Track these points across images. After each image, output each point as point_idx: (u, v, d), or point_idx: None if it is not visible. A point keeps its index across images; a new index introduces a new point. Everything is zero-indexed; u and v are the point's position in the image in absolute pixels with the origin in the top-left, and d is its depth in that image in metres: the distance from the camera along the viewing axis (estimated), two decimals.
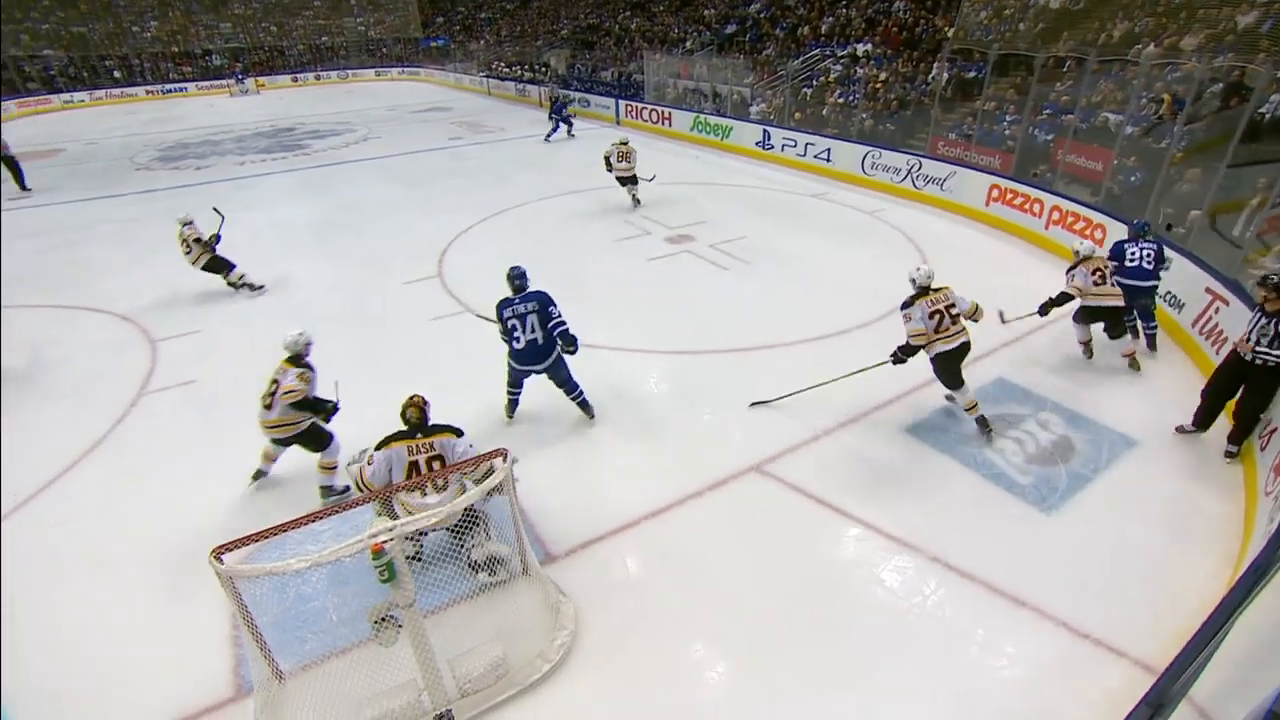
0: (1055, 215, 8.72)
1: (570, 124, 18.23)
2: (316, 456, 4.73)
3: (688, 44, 20.25)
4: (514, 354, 5.18)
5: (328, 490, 4.76)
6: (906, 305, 5.03)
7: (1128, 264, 5.97)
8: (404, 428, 3.90)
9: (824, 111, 14.11)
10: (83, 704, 3.40)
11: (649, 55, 19.82)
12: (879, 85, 13.26)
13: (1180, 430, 5.03)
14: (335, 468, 4.75)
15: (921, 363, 5.84)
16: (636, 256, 9.11)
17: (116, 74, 35.37)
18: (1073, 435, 5.10)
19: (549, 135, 17.87)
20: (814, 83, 14.91)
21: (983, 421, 5.10)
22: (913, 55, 13.30)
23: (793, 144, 13.67)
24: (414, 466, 3.79)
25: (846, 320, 6.95)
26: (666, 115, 17.61)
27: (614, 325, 7.05)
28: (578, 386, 5.40)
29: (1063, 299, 5.89)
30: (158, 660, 3.60)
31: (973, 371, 5.87)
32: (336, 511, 3.24)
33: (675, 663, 3.48)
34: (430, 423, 3.94)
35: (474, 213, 11.36)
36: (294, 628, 3.65)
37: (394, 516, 3.84)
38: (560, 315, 5.12)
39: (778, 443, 5.09)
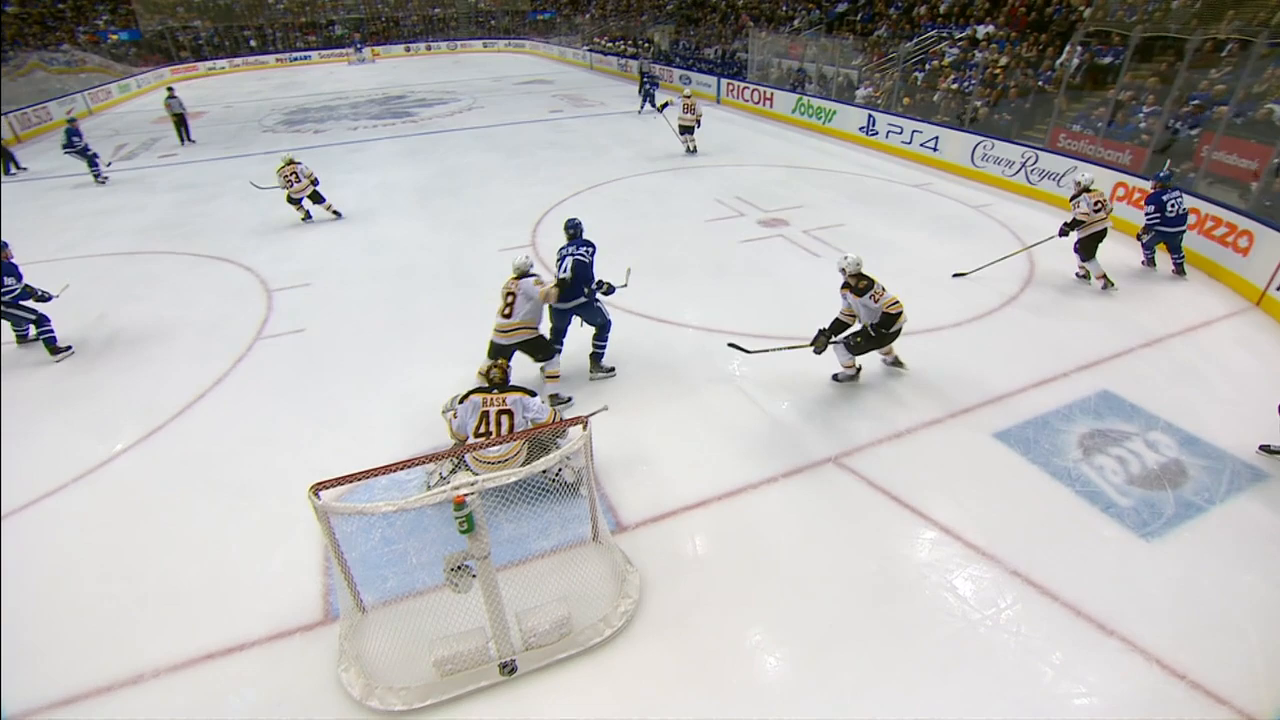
0: (1192, 219, 7.51)
1: (652, 99, 18.11)
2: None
3: (795, 22, 19.62)
4: (570, 278, 5.52)
5: (556, 398, 5.41)
6: (867, 291, 5.18)
7: (1169, 214, 7.07)
8: (485, 384, 4.26)
9: (935, 98, 13.38)
10: (197, 608, 3.79)
11: (754, 33, 19.35)
12: (998, 71, 12.43)
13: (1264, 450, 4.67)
14: (558, 377, 5.34)
15: (1014, 371, 5.57)
16: (728, 237, 9.02)
17: (253, 43, 38.00)
18: (1186, 459, 4.70)
19: (641, 109, 17.98)
20: (926, 67, 14.15)
21: (838, 379, 5.43)
22: (1039, 38, 12.36)
23: (898, 131, 13.06)
24: (484, 416, 4.13)
25: (940, 317, 6.65)
26: (768, 96, 17.19)
27: (701, 305, 7.05)
28: (604, 339, 5.76)
29: (1076, 224, 7.02)
30: (260, 580, 3.96)
31: (1075, 382, 5.54)
32: (424, 461, 3.45)
33: (734, 644, 3.50)
34: (509, 383, 4.30)
35: (569, 185, 11.55)
36: (377, 566, 3.91)
37: (465, 467, 4.20)
38: (591, 262, 5.61)
39: (858, 437, 4.97)
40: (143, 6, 35.60)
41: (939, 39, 14.47)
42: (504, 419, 4.14)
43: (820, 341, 5.34)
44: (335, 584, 3.68)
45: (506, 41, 40.51)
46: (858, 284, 5.24)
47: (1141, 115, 9.58)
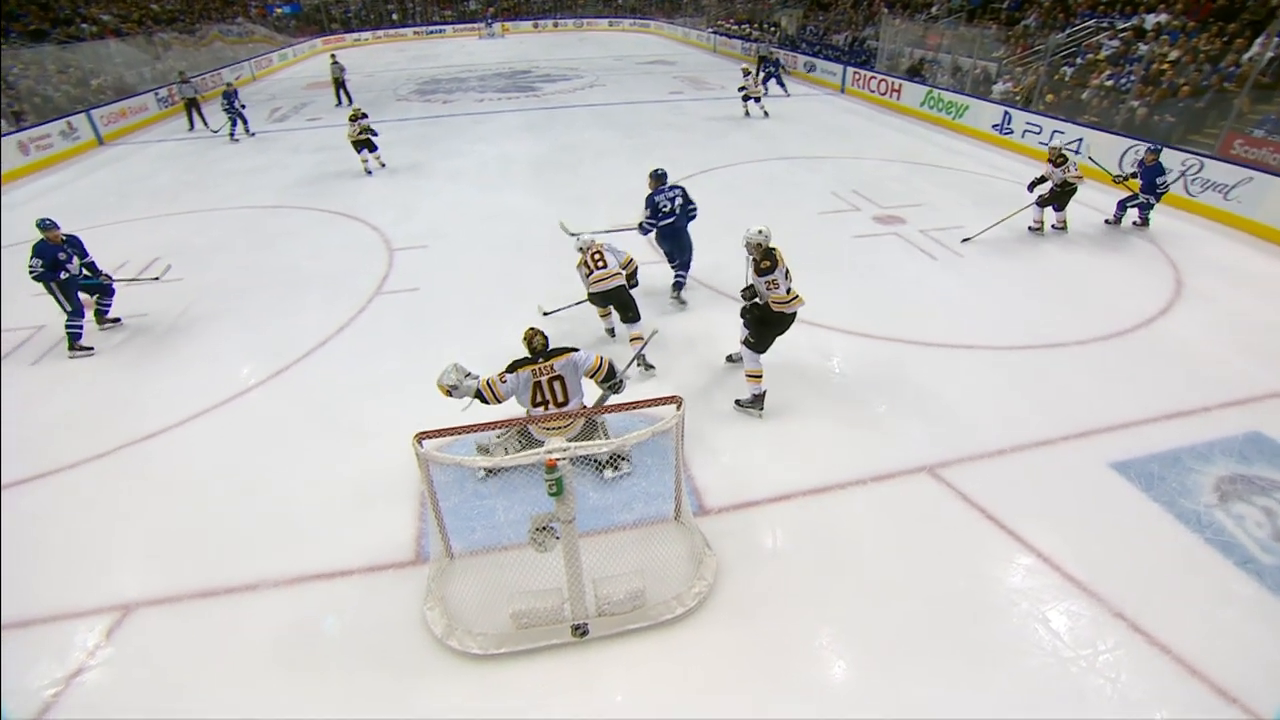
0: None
1: (780, 81, 17.89)
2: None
3: (933, 9, 18.51)
4: (662, 229, 6.75)
5: (642, 360, 5.68)
6: (767, 273, 4.79)
7: (1158, 184, 8.09)
8: (528, 354, 4.32)
9: (1083, 95, 12.27)
10: (307, 533, 4.17)
11: (887, 20, 18.44)
12: (1165, 66, 11.19)
13: None
14: (643, 338, 5.58)
15: (1143, 398, 5.13)
16: (841, 231, 8.74)
17: (394, 16, 40.20)
18: None
19: (764, 94, 17.62)
20: (1078, 60, 12.98)
21: (758, 400, 5.04)
22: (1225, 28, 10.97)
23: (1036, 130, 12.08)
24: (538, 387, 4.24)
25: (1062, 334, 6.17)
26: (896, 87, 16.36)
27: (808, 297, 6.84)
28: (688, 266, 6.89)
29: (1041, 181, 8.30)
30: (362, 516, 4.28)
31: (1219, 418, 5.00)
32: (519, 423, 3.60)
33: (803, 642, 3.45)
34: (550, 348, 4.38)
35: (684, 167, 11.51)
36: (467, 517, 4.13)
37: (527, 438, 4.36)
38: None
39: (958, 449, 4.73)
40: None
41: (1097, 30, 13.22)
42: (556, 385, 4.27)
43: (745, 293, 5.05)
44: (428, 529, 3.93)
45: (632, 20, 40.66)
46: (760, 261, 4.84)
47: None
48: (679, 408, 3.38)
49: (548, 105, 17.89)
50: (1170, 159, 9.65)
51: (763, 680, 3.26)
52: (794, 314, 4.98)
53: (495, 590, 3.50)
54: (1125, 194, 8.60)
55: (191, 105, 16.29)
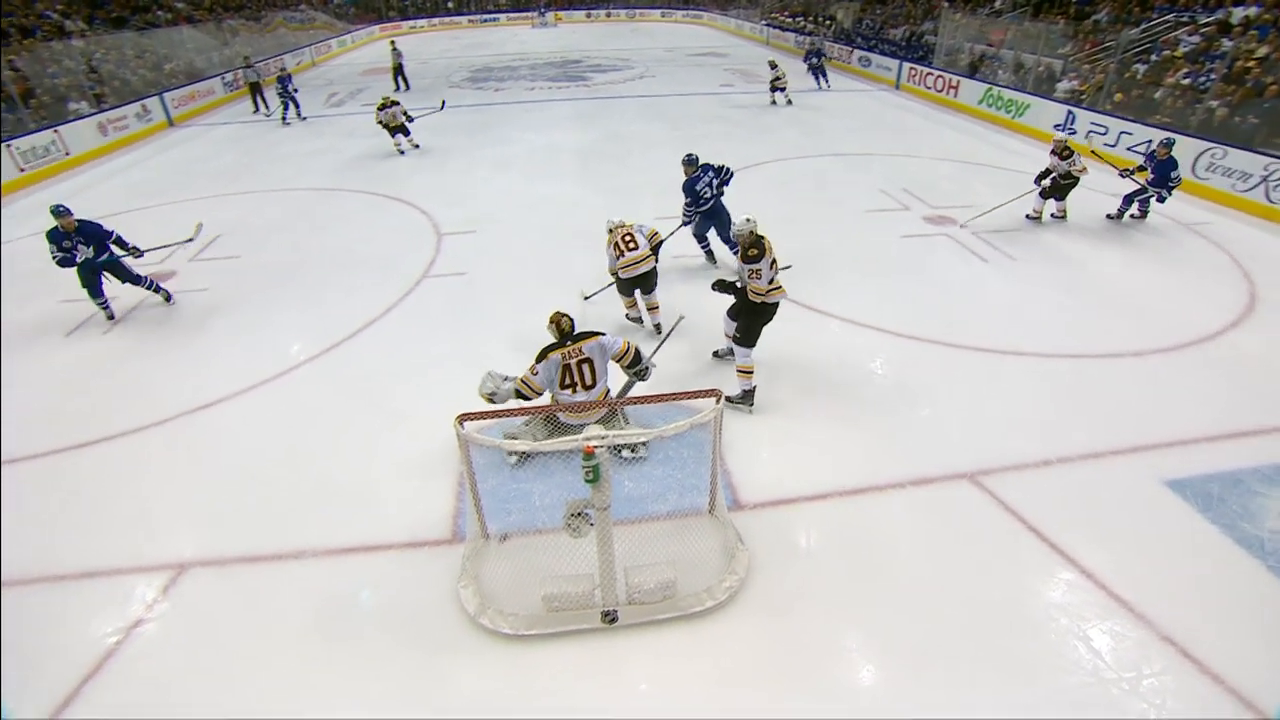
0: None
1: (823, 73, 17.88)
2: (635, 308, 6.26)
3: (996, 3, 17.88)
4: (703, 210, 7.10)
5: (659, 327, 6.13)
6: (753, 261, 4.75)
7: (1171, 178, 8.01)
8: (555, 339, 4.38)
9: (1156, 95, 11.70)
10: (348, 508, 4.30)
11: (948, 14, 17.90)
12: (1251, 63, 10.56)
13: None
14: (658, 307, 6.13)
15: (1205, 416, 4.91)
16: (889, 231, 8.56)
17: (450, 4, 40.77)
18: None
19: (822, 85, 17.69)
20: (1153, 58, 12.38)
21: (748, 395, 5.00)
22: None
23: (1102, 131, 11.59)
24: (566, 370, 4.29)
25: (1117, 344, 5.93)
26: (954, 84, 15.90)
27: (850, 296, 6.78)
28: (730, 241, 6.88)
29: (1047, 174, 8.38)
30: (401, 494, 4.40)
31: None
32: (548, 410, 3.63)
33: (831, 643, 3.42)
34: (577, 331, 4.43)
35: (731, 161, 11.25)
36: (503, 500, 4.21)
37: (556, 423, 4.42)
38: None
39: (1002, 457, 4.60)
40: None
41: (1176, 25, 12.57)
42: (585, 367, 4.32)
43: (716, 286, 5.08)
44: (465, 509, 4.02)
45: (684, 12, 40.42)
46: (748, 248, 4.78)
47: None
48: (719, 401, 3.37)
49: (597, 95, 17.92)
50: (1250, 163, 9.18)
51: (789, 679, 3.24)
52: (777, 304, 4.97)
53: (528, 573, 3.56)
54: (1132, 188, 8.52)
55: (255, 89, 16.87)
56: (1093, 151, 9.20)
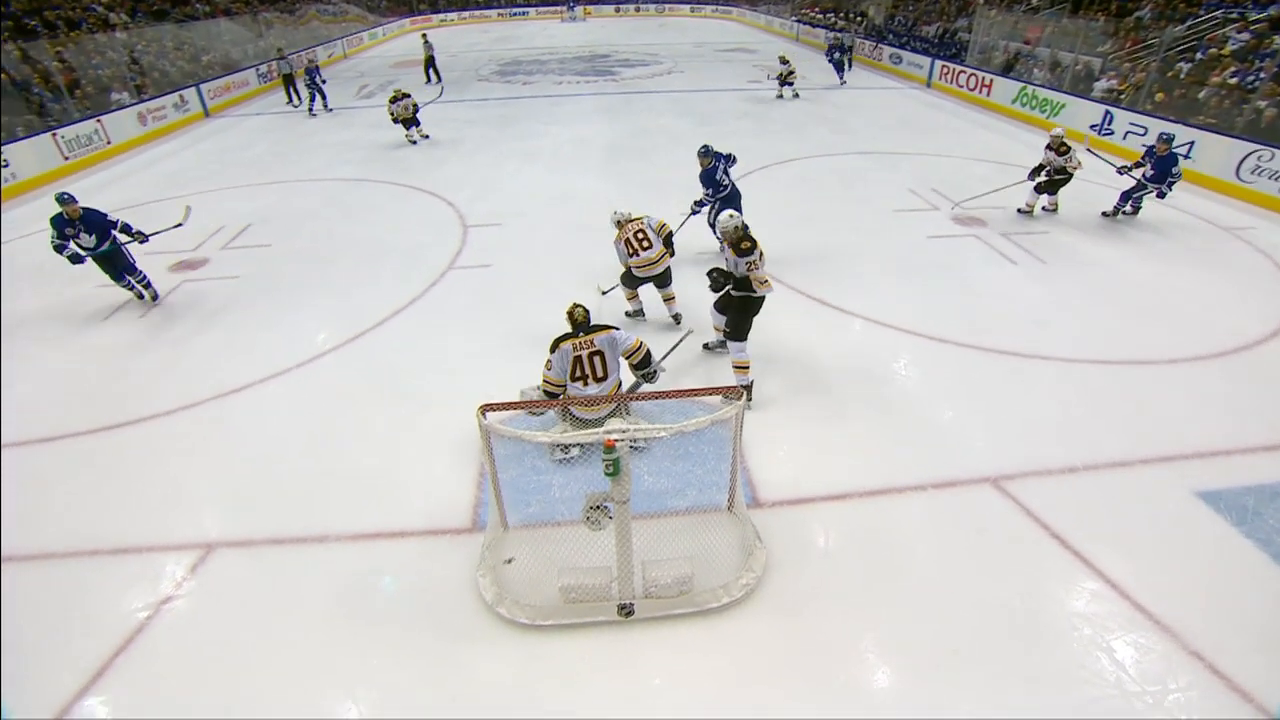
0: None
1: (841, 67, 17.99)
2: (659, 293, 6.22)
3: (1033, 0, 17.51)
4: (722, 197, 7.26)
5: (678, 317, 6.18)
6: (748, 254, 4.77)
7: (1171, 174, 7.97)
8: (569, 329, 4.36)
9: (1200, 95, 11.37)
10: (371, 494, 4.38)
11: (983, 10, 17.57)
12: None
13: None
14: (675, 298, 6.13)
15: (1242, 426, 4.79)
16: (916, 230, 8.45)
17: None
18: None
19: (841, 81, 17.81)
20: (1198, 56, 12.03)
21: (746, 390, 4.92)
22: None
23: (1141, 132, 11.30)
24: (577, 361, 4.27)
25: (1151, 350, 5.80)
26: (987, 83, 15.61)
27: (874, 296, 6.71)
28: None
29: (1042, 166, 8.52)
30: (423, 482, 4.46)
31: None
32: (580, 403, 3.66)
33: (847, 644, 3.41)
34: (592, 323, 4.41)
35: (758, 157, 11.36)
36: (523, 491, 4.24)
37: (573, 417, 4.40)
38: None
39: (1027, 462, 4.53)
40: None
41: (1224, 21, 12.18)
42: (596, 360, 4.31)
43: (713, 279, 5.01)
44: (486, 499, 4.07)
45: (714, 7, 40.17)
46: (740, 242, 4.82)
47: None
48: (742, 399, 3.37)
49: (625, 90, 17.91)
50: None
51: (802, 679, 3.23)
52: (764, 297, 4.97)
53: (545, 564, 3.58)
54: (1129, 185, 8.52)
55: (288, 81, 17.14)
56: (1088, 149, 9.14)
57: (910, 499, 4.26)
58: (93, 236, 6.44)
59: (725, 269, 5.04)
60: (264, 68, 19.30)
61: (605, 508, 3.15)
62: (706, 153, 7.31)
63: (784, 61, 16.43)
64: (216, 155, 12.90)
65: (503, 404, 3.37)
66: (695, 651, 3.35)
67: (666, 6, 41.47)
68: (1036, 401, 5.17)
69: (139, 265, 6.87)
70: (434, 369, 5.70)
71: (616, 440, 2.90)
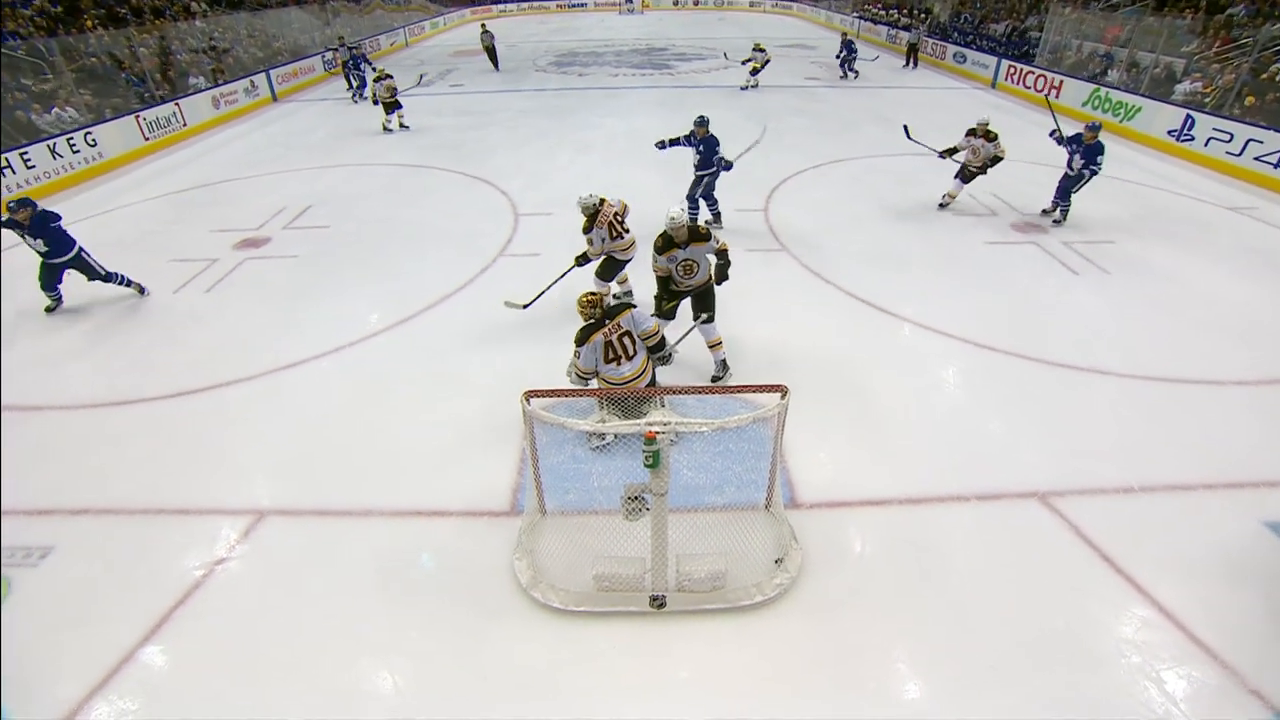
0: None
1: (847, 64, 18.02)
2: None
3: None
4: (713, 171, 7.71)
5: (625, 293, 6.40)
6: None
7: (1098, 160, 7.98)
8: (590, 321, 4.35)
9: None
10: (413, 472, 4.51)
11: (1056, 8, 16.85)
12: None
13: None
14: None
15: None
16: (973, 236, 8.21)
17: None
18: None
19: (844, 75, 18.06)
20: None
21: (724, 365, 5.30)
22: None
23: (1226, 138, 10.70)
24: (608, 345, 4.31)
25: (1219, 369, 5.52)
26: (1056, 84, 15.00)
27: (927, 302, 6.54)
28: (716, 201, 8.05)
29: (957, 149, 8.64)
30: (465, 463, 4.57)
31: None
32: (619, 394, 3.68)
33: (880, 651, 3.36)
34: (610, 307, 4.43)
35: (811, 155, 11.19)
36: (562, 478, 4.30)
37: (609, 402, 4.41)
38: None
39: (1077, 479, 4.38)
40: None
41: None
42: (626, 340, 4.34)
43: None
44: (526, 483, 4.14)
45: (774, 2, 39.60)
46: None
47: None
48: (783, 396, 3.34)
49: (681, 84, 17.83)
50: None
51: (831, 683, 3.21)
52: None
53: (580, 551, 3.64)
54: (1061, 179, 8.40)
55: (346, 67, 17.63)
56: (1049, 110, 9.56)
57: (952, 509, 4.17)
58: (39, 241, 6.29)
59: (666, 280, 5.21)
60: (329, 55, 19.88)
61: (643, 499, 3.18)
62: (703, 123, 7.72)
63: (759, 50, 16.31)
64: (282, 139, 13.37)
65: (546, 391, 3.43)
66: (725, 648, 3.36)
67: (726, 1, 41.08)
68: (1092, 417, 4.98)
69: (115, 272, 6.78)
70: (481, 353, 5.81)
71: (658, 432, 2.92)
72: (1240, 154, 10.41)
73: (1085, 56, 15.39)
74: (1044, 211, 8.71)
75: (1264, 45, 11.30)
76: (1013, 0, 20.21)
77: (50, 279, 6.55)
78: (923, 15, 23.62)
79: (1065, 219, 8.46)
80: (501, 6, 38.96)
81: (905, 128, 9.40)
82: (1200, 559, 3.86)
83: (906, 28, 22.48)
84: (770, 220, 8.61)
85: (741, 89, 16.31)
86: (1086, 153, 7.95)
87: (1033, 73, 15.89)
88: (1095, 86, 13.83)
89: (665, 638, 3.42)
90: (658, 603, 3.46)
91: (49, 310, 6.66)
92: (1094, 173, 8.03)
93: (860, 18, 27.59)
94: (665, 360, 4.64)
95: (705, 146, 7.66)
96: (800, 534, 3.88)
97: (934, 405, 5.15)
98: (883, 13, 26.54)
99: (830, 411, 5.01)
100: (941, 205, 8.96)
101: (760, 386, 3.43)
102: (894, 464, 4.53)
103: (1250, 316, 6.37)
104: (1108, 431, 4.84)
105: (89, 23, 14.67)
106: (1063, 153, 8.36)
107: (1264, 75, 11.26)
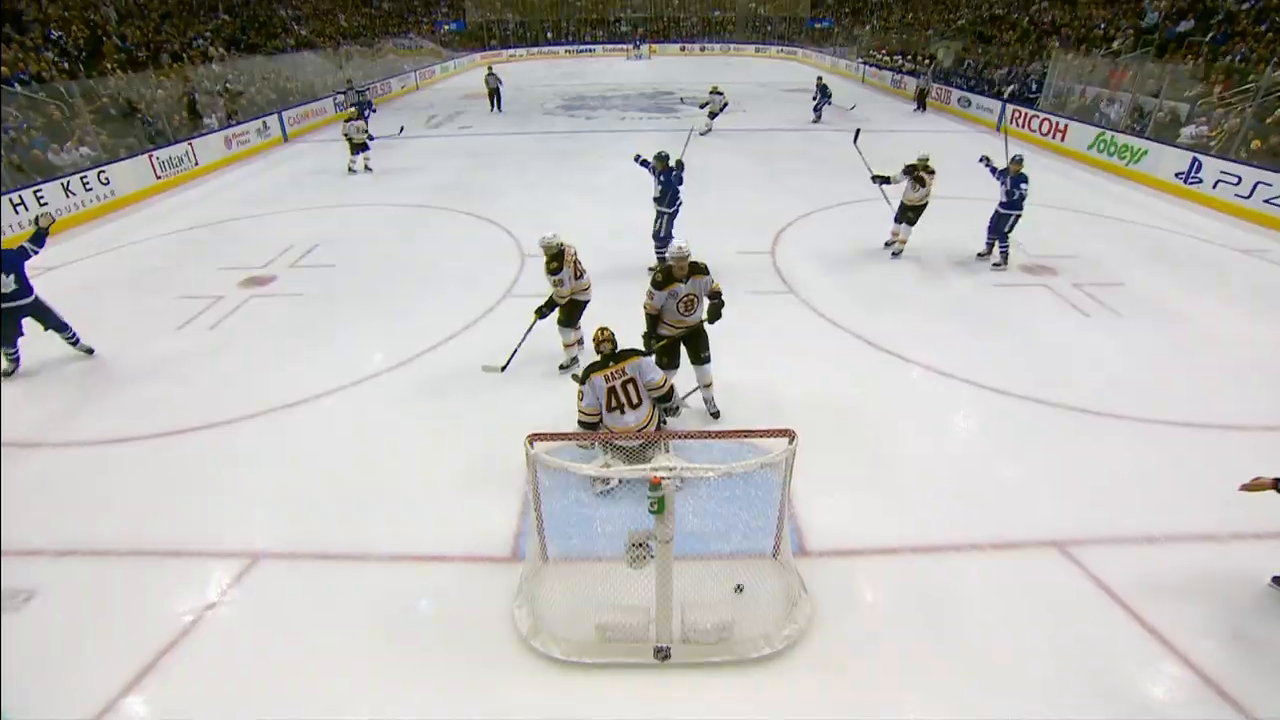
0: None
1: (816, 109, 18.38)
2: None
3: (1114, 44, 17.03)
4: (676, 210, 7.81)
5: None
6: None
7: (1021, 190, 7.89)
8: (598, 359, 4.29)
9: None
10: (414, 514, 4.41)
11: (1059, 54, 17.16)
12: None
13: None
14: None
15: None
16: (980, 279, 8.18)
17: (549, 34, 42.58)
18: None
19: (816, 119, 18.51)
20: None
21: (709, 402, 5.25)
22: None
23: (1233, 181, 10.74)
24: (611, 391, 4.20)
25: (1240, 413, 5.40)
26: (1061, 128, 15.18)
27: (935, 344, 6.46)
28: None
29: (890, 180, 8.62)
30: (466, 507, 4.47)
31: None
32: (614, 436, 3.60)
33: (893, 705, 3.21)
34: (619, 349, 4.34)
35: (813, 198, 11.28)
36: (565, 524, 4.17)
37: (613, 447, 4.28)
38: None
39: (1097, 528, 4.24)
40: (472, 3, 41.99)
41: None
42: (630, 388, 4.25)
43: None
44: (528, 529, 4.03)
45: (779, 48, 40.55)
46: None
47: None
48: (791, 441, 3.26)
49: (685, 127, 18.05)
50: None
51: None
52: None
53: (583, 599, 3.52)
54: (992, 215, 8.29)
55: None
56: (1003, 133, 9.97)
57: (967, 559, 4.03)
58: (10, 278, 5.82)
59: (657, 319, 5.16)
60: (339, 97, 20.39)
61: (648, 546, 3.07)
62: (663, 158, 7.84)
63: (717, 93, 16.58)
64: (291, 178, 13.58)
65: (550, 434, 3.35)
66: (732, 703, 3.22)
67: (732, 47, 42.12)
68: (1110, 463, 4.86)
69: (68, 322, 6.35)
70: (483, 395, 5.75)
71: (663, 478, 2.83)
72: (1249, 196, 10.43)
73: (1090, 101, 15.59)
74: (980, 255, 8.63)
75: (1266, 89, 11.41)
76: (1015, 46, 20.63)
77: (11, 329, 5.97)
78: (927, 61, 24.11)
79: (1006, 262, 8.37)
80: (511, 51, 40.07)
81: (857, 131, 9.59)
82: (1229, 611, 3.70)
83: (914, 73, 22.93)
84: (777, 262, 8.62)
85: (701, 134, 16.32)
86: (1012, 182, 7.98)
87: (1037, 116, 16.10)
88: (1100, 130, 13.98)
89: (669, 692, 3.28)
90: (662, 654, 3.32)
91: (7, 374, 6.10)
92: (1018, 204, 8.01)
93: (865, 64, 28.19)
94: (673, 412, 4.56)
95: (664, 181, 7.70)
96: (810, 583, 3.74)
97: (946, 451, 5.04)
98: (887, 59, 27.12)
99: (840, 457, 4.90)
100: (895, 254, 8.76)
101: (768, 431, 3.35)
102: (906, 511, 4.41)
103: (1269, 359, 6.26)
104: (1128, 478, 4.71)
105: (110, 66, 15.11)
106: (1070, 191, 8.37)
107: (1269, 119, 11.34)
